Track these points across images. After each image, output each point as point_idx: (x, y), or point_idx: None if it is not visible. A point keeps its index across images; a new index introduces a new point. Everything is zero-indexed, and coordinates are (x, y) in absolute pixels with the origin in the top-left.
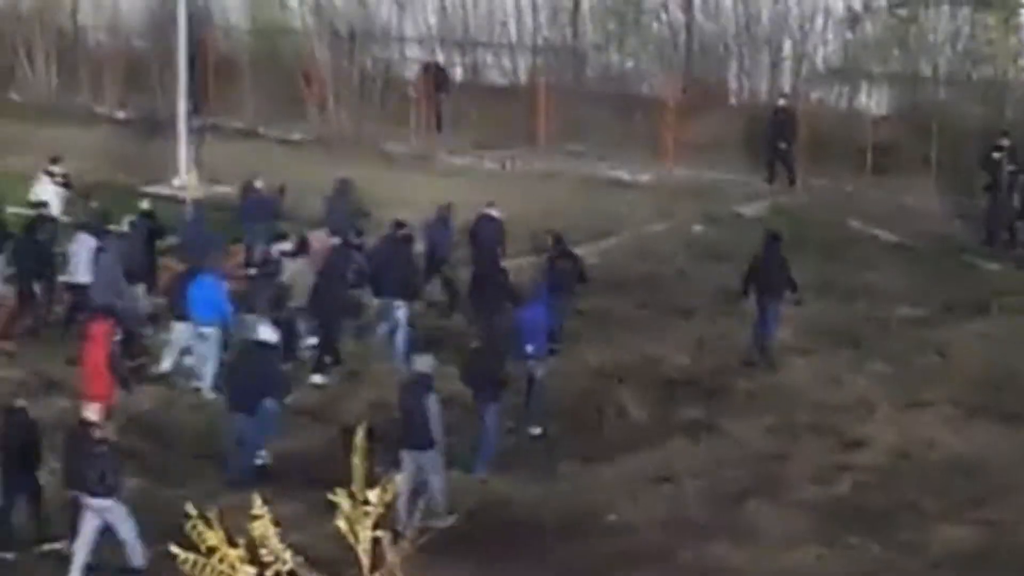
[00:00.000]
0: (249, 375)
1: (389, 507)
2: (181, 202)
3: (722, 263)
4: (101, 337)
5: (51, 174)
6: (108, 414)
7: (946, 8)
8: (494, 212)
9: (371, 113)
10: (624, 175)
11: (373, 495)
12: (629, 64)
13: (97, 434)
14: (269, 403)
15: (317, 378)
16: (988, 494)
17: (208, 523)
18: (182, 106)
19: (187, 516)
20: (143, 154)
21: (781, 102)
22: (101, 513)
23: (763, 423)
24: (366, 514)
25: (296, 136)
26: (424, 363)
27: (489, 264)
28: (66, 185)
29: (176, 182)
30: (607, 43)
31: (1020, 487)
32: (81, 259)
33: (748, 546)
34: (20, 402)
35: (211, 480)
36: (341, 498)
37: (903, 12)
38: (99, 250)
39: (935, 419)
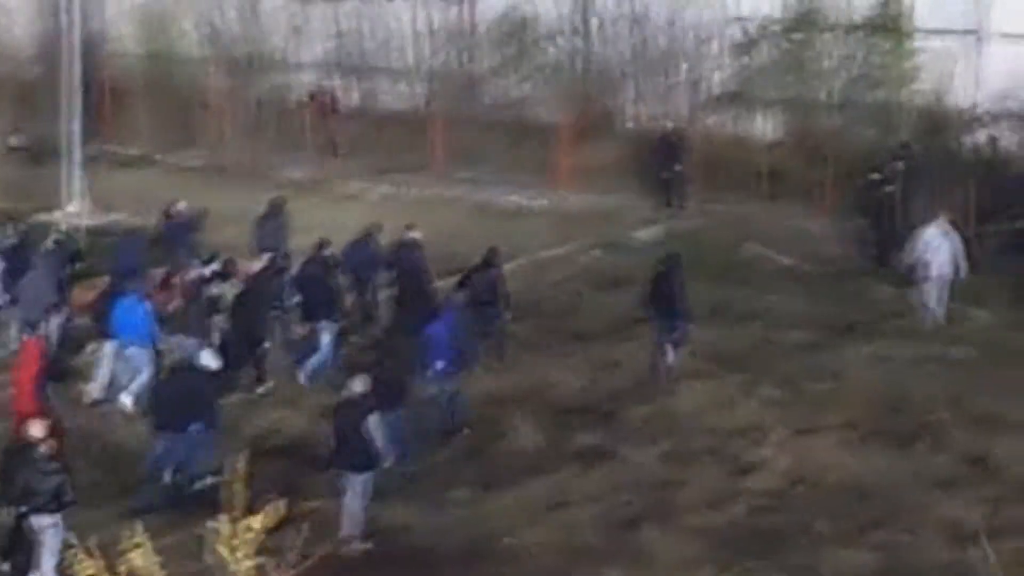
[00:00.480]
0: (178, 398)
1: (272, 532)
2: (75, 229)
3: (619, 288)
4: (33, 355)
5: None
6: (57, 431)
7: (840, 33)
8: (416, 235)
9: (266, 139)
10: (519, 200)
11: (256, 521)
12: (523, 90)
13: (44, 450)
14: (196, 428)
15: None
16: (883, 517)
17: (88, 552)
18: (75, 133)
19: (68, 546)
20: (36, 181)
21: (669, 126)
22: (44, 530)
23: (658, 448)
24: (246, 541)
25: (192, 163)
26: (361, 384)
27: (415, 287)
28: None
29: (70, 209)
30: (501, 68)
31: (915, 509)
32: None
33: (643, 571)
34: None
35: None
36: (221, 525)
37: (797, 37)
38: (17, 271)
39: (829, 443)
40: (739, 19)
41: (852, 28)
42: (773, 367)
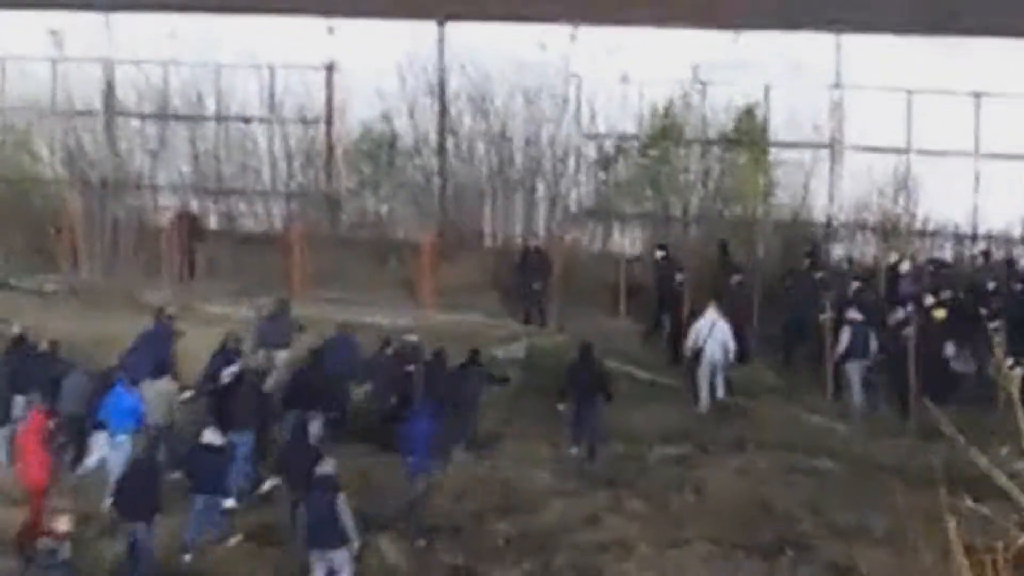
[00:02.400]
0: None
1: None
2: None
3: (482, 406)
4: (38, 426)
5: None
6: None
7: (697, 148)
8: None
9: (124, 262)
10: (382, 320)
11: None
12: (384, 208)
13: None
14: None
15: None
16: None
17: None
18: None
19: None
20: None
21: (532, 243)
22: None
23: (522, 568)
24: None
25: (49, 287)
26: (328, 466)
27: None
28: None
29: None
30: (361, 188)
31: None
32: None
33: None
34: None
35: None
36: None
37: (654, 153)
38: None
39: (693, 557)
40: (595, 136)
41: (709, 143)
42: (637, 482)
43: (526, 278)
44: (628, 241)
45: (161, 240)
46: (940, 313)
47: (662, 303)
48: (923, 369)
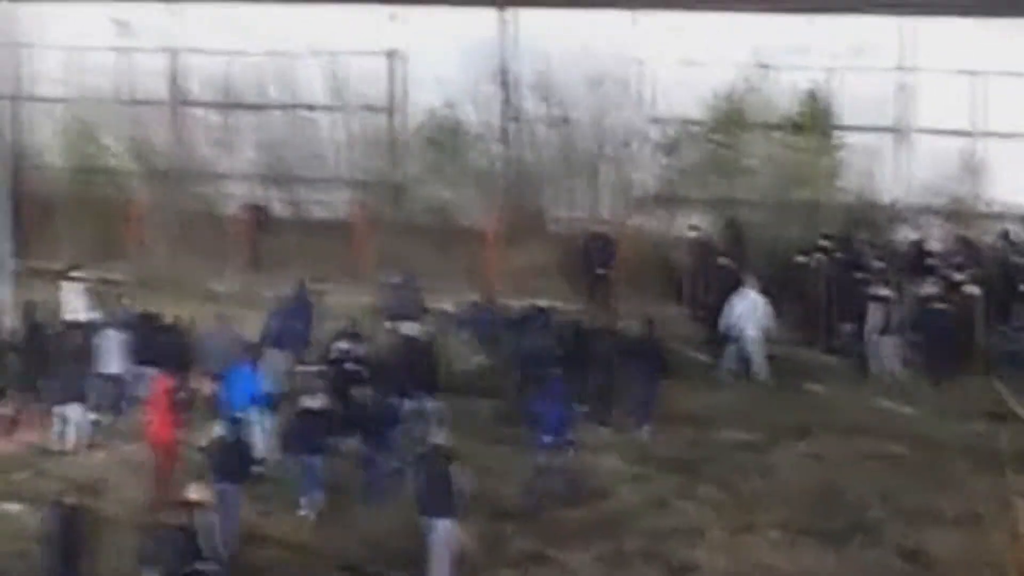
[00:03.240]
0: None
1: None
2: None
3: None
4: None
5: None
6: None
7: (760, 131)
8: None
9: (191, 251)
10: (447, 306)
11: None
12: (448, 195)
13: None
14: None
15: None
16: None
17: None
18: (5, 250)
19: None
20: None
21: (596, 228)
22: None
23: (593, 551)
24: None
25: (117, 276)
26: (440, 435)
27: None
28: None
29: None
30: (426, 174)
31: None
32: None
33: None
34: (68, 499)
35: None
36: None
37: (718, 137)
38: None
39: (764, 542)
40: (659, 120)
41: (773, 127)
42: (707, 467)
43: (590, 263)
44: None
45: (228, 230)
46: (972, 289)
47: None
48: (956, 344)
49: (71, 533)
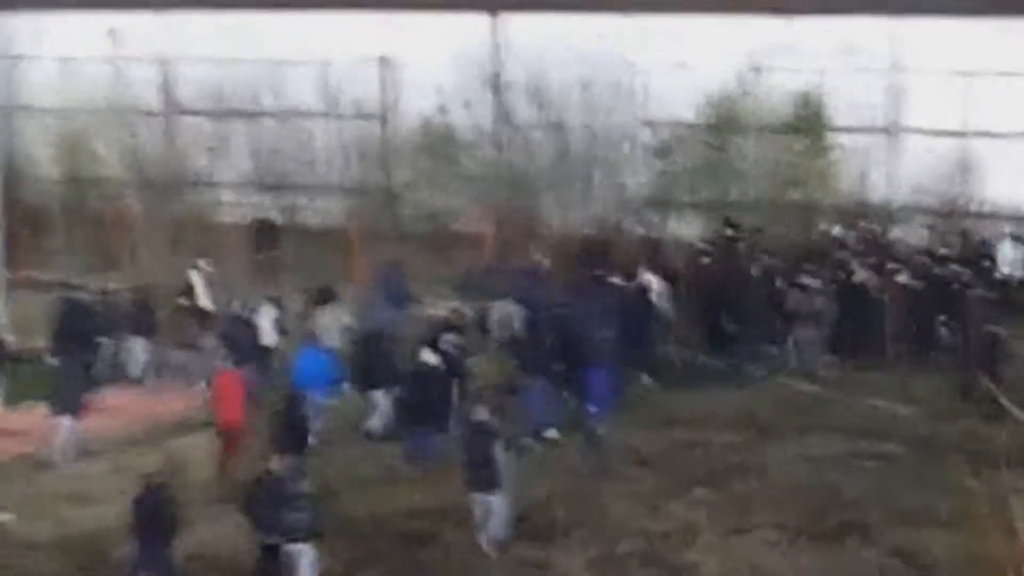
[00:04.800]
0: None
1: None
2: None
3: None
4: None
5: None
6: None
7: (754, 134)
8: None
9: (186, 260)
10: (443, 313)
11: None
12: (443, 201)
13: (295, 484)
14: None
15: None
16: None
17: None
18: None
19: None
20: None
21: (587, 231)
22: (300, 558)
23: (586, 555)
24: None
25: (112, 286)
26: (483, 412)
27: None
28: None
29: None
30: (419, 181)
31: None
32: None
33: None
34: (158, 477)
35: None
36: None
37: (711, 140)
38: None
39: (758, 543)
40: (652, 124)
41: (766, 129)
42: (700, 469)
43: (586, 267)
44: (687, 228)
45: (224, 240)
46: (902, 278)
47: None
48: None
49: (161, 510)
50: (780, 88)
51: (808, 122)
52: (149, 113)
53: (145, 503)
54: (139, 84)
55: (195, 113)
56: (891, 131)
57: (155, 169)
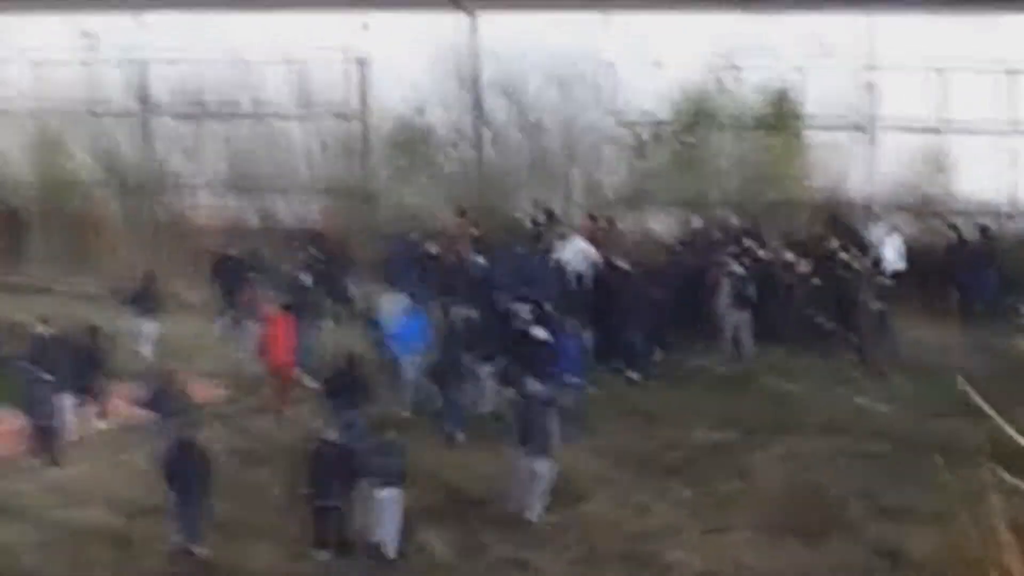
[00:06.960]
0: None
1: None
2: None
3: None
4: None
5: None
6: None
7: (731, 132)
8: None
9: (164, 263)
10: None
11: None
12: (420, 200)
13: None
14: None
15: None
16: None
17: None
18: None
19: None
20: None
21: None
22: (390, 503)
23: (569, 555)
24: None
25: (86, 289)
26: (535, 383)
27: None
28: None
29: None
30: (397, 180)
31: None
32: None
33: None
34: (190, 433)
35: None
36: None
37: (688, 138)
38: None
39: (740, 542)
40: (629, 123)
41: (743, 127)
42: (682, 468)
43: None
44: (664, 226)
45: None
46: (802, 267)
47: None
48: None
49: (195, 467)
50: (757, 86)
51: (785, 119)
52: (125, 115)
53: (175, 456)
54: (114, 85)
55: (171, 115)
56: (868, 128)
57: (132, 171)
